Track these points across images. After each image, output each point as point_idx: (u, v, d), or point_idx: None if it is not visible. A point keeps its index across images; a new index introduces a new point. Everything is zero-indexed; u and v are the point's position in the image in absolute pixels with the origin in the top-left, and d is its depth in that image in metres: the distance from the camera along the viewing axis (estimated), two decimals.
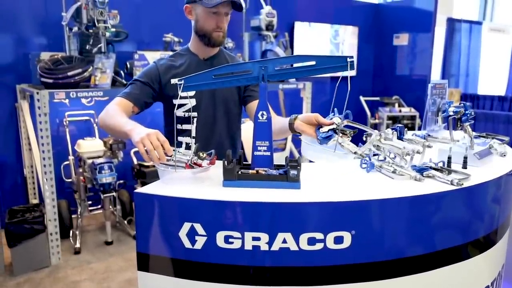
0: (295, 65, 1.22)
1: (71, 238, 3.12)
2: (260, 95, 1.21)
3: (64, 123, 3.39)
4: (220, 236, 1.09)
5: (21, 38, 3.31)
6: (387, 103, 5.39)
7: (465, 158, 1.38)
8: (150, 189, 1.15)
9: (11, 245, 2.59)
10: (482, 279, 1.35)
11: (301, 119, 1.41)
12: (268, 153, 1.21)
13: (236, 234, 1.08)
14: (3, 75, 3.27)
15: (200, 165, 1.25)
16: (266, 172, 1.19)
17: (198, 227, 1.10)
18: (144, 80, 1.64)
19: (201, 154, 1.25)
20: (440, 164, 1.33)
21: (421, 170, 1.27)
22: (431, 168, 1.29)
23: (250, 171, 1.20)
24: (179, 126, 1.67)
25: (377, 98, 5.50)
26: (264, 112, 1.20)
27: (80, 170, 3.25)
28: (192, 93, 1.64)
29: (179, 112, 1.66)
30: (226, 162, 1.17)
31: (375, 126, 5.19)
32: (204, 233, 1.10)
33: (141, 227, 1.16)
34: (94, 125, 3.53)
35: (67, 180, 3.39)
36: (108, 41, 3.09)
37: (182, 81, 1.19)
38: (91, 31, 2.95)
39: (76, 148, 3.30)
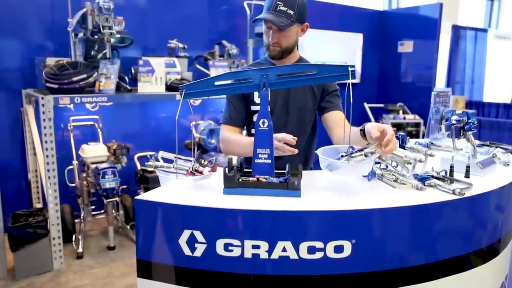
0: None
1: (73, 243, 3.12)
2: (261, 103, 1.21)
3: (69, 128, 3.41)
4: (219, 244, 1.09)
5: (28, 43, 3.34)
6: (391, 110, 5.38)
7: (468, 167, 1.37)
8: (150, 195, 1.16)
9: (14, 249, 2.60)
10: None
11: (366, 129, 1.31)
12: (269, 161, 1.21)
13: (236, 242, 1.08)
14: (10, 80, 3.30)
15: (201, 172, 1.26)
16: (266, 180, 1.19)
17: (198, 235, 1.10)
18: (234, 97, 1.71)
19: (202, 161, 1.25)
20: (442, 173, 1.33)
21: (423, 179, 1.26)
22: (433, 177, 1.28)
23: (251, 178, 1.20)
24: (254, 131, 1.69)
25: (381, 105, 5.49)
26: (265, 120, 1.20)
27: (84, 175, 3.26)
28: None
29: (255, 117, 1.68)
30: (227, 169, 1.17)
31: None
32: (204, 241, 1.09)
33: (141, 234, 1.16)
34: (98, 130, 3.55)
35: (70, 184, 3.40)
36: (113, 47, 3.12)
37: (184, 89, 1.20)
38: (96, 37, 2.98)
39: (80, 153, 3.31)
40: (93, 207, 3.45)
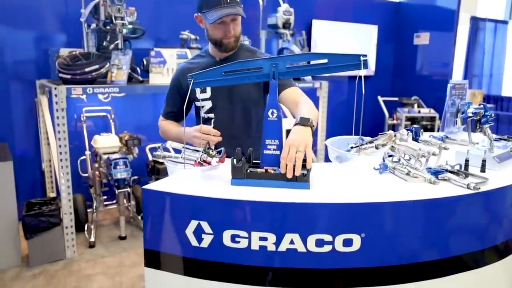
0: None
1: (86, 232, 3.16)
2: (270, 93, 1.18)
3: (82, 118, 3.44)
4: (226, 235, 1.08)
5: (42, 34, 3.37)
6: (406, 103, 5.28)
7: (484, 161, 1.32)
8: (158, 185, 1.15)
9: (28, 237, 2.64)
10: (499, 287, 1.29)
11: None
12: (278, 152, 1.19)
13: (243, 233, 1.07)
14: (24, 71, 3.34)
15: (209, 163, 1.24)
16: (275, 171, 1.17)
17: (205, 225, 1.09)
18: (172, 92, 1.76)
19: (210, 152, 1.23)
20: (457, 167, 1.29)
21: (436, 172, 1.22)
22: (447, 171, 1.24)
23: (259, 170, 1.18)
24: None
25: (396, 98, 5.39)
26: (274, 110, 1.18)
27: (96, 165, 3.29)
28: (208, 95, 1.66)
29: (201, 113, 1.71)
30: (235, 160, 1.16)
31: (393, 127, 5.10)
32: (211, 232, 1.08)
33: (148, 224, 1.16)
34: (111, 121, 3.57)
35: (83, 174, 3.44)
36: (125, 38, 3.12)
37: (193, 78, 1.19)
38: (108, 27, 2.98)
39: (92, 144, 3.34)
40: (105, 197, 3.49)
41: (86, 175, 3.43)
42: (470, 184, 1.14)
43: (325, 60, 1.15)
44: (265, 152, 1.20)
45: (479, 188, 1.13)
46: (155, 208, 1.14)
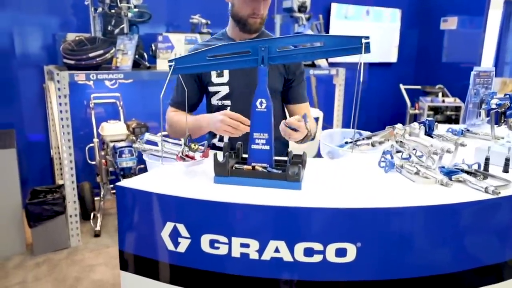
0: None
1: (91, 221, 3.13)
2: (259, 80, 1.05)
3: (90, 105, 3.38)
4: (204, 240, 0.96)
5: (51, 19, 3.30)
6: (429, 92, 5.00)
7: (507, 160, 1.15)
8: (132, 182, 1.05)
9: (31, 225, 2.61)
10: None
11: None
12: (267, 147, 1.06)
13: (223, 238, 0.95)
14: (33, 56, 3.29)
15: (192, 158, 1.13)
16: (263, 169, 1.04)
17: (182, 228, 0.98)
18: (183, 79, 1.54)
19: (192, 146, 1.11)
20: (475, 167, 1.12)
21: (450, 173, 1.07)
22: (462, 171, 1.09)
23: (245, 166, 1.06)
24: None
25: (419, 87, 5.11)
26: (263, 100, 1.05)
27: (103, 153, 3.23)
28: (225, 79, 1.50)
29: (213, 100, 1.56)
30: (221, 155, 1.04)
31: (415, 117, 4.84)
32: (188, 235, 0.97)
33: (122, 224, 1.06)
34: (120, 108, 3.51)
35: (91, 162, 3.40)
36: (132, 22, 3.02)
37: (173, 62, 1.06)
38: (113, 11, 2.88)
39: (99, 131, 3.29)
40: (112, 185, 3.44)
41: (93, 163, 3.38)
42: (488, 188, 0.98)
43: (322, 43, 1.00)
44: (253, 147, 1.07)
45: (499, 192, 0.97)
46: (129, 207, 1.04)
